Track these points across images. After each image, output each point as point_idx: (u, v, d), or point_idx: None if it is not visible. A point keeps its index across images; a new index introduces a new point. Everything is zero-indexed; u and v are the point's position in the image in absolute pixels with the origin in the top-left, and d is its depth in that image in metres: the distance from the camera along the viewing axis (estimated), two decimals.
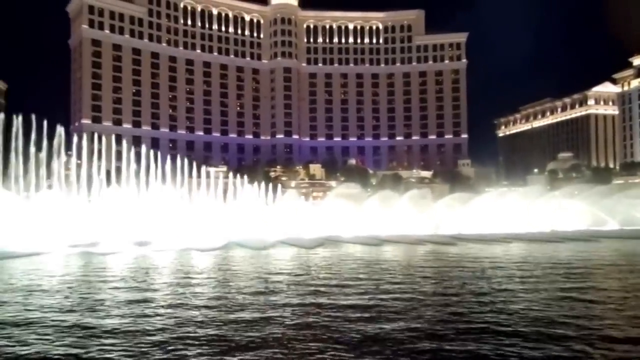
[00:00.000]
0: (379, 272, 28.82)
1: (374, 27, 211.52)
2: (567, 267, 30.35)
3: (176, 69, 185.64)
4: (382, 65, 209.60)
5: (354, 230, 64.03)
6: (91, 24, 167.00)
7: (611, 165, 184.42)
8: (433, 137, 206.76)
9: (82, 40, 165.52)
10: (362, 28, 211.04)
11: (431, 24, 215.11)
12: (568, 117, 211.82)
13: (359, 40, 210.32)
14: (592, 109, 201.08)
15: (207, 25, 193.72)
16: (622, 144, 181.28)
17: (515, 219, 70.73)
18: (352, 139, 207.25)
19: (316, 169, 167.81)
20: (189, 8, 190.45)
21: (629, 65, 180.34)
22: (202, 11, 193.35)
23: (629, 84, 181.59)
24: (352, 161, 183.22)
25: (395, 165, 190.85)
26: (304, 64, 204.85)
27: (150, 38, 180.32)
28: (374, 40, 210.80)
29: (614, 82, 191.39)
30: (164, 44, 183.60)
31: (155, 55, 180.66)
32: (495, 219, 69.46)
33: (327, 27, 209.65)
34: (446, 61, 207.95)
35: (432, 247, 48.25)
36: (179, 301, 19.72)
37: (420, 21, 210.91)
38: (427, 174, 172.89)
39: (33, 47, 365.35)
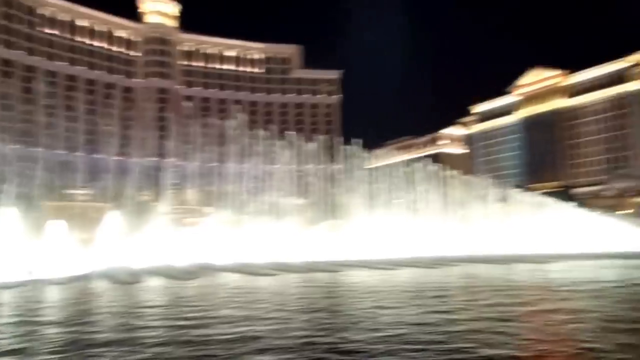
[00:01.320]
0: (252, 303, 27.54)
1: (254, 57, 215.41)
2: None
3: (32, 80, 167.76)
4: (261, 94, 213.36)
5: (231, 257, 63.46)
6: None
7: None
8: (309, 166, 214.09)
9: None
10: (242, 57, 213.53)
11: (311, 57, 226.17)
12: (424, 153, 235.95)
13: (237, 68, 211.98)
14: (443, 148, 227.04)
15: (73, 37, 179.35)
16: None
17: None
18: (229, 164, 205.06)
19: (191, 193, 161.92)
20: (51, 15, 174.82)
21: (471, 112, 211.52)
22: (70, 22, 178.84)
23: (472, 127, 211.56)
24: (229, 187, 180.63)
25: (273, 193, 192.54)
26: (180, 86, 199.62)
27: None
28: (253, 70, 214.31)
29: (462, 125, 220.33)
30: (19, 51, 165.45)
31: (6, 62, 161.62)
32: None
33: (206, 52, 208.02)
34: (322, 95, 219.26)
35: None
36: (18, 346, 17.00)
37: (298, 56, 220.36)
38: (302, 201, 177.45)
39: None
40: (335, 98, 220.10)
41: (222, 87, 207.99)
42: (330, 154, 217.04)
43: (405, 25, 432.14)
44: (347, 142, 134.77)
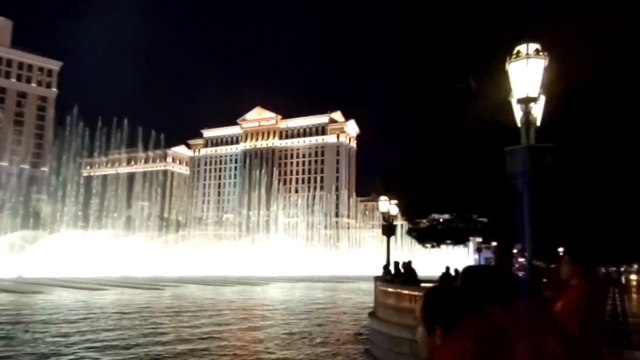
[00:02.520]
0: None
1: None
2: None
3: None
4: None
5: None
6: None
7: (180, 218, 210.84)
8: (5, 164, 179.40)
9: None
10: None
11: (24, 36, 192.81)
12: (149, 169, 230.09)
13: None
14: (170, 165, 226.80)
15: None
16: (191, 200, 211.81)
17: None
18: None
19: None
20: None
21: (201, 135, 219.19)
22: None
23: (199, 150, 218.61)
24: None
25: None
26: None
27: None
28: None
29: (189, 146, 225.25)
30: None
31: None
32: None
33: None
34: (33, 84, 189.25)
35: None
36: None
37: (6, 30, 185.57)
38: None
39: None
40: (52, 92, 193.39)
41: None
42: (38, 153, 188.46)
43: (145, 30, 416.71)
44: (62, 144, 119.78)
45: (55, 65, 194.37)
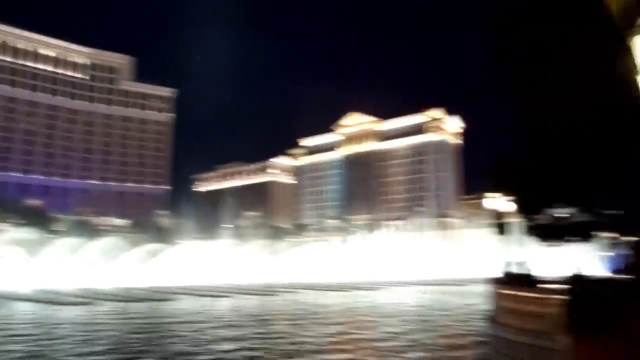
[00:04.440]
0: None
1: (77, 61, 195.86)
2: None
3: None
4: (82, 101, 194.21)
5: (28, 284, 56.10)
6: None
7: (286, 226, 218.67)
8: (132, 184, 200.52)
9: None
10: (63, 58, 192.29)
11: (144, 71, 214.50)
12: (254, 180, 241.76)
13: (56, 70, 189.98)
14: (273, 176, 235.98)
15: None
16: (295, 207, 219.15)
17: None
18: (36, 176, 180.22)
19: None
20: None
21: (298, 144, 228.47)
22: None
23: (301, 159, 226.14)
24: (33, 202, 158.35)
25: (86, 210, 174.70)
26: None
27: None
28: (75, 74, 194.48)
29: (291, 156, 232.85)
30: None
31: None
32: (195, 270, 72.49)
33: (16, 46, 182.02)
34: (153, 111, 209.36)
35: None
36: None
37: (128, 66, 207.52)
38: (122, 222, 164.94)
39: None
40: (167, 116, 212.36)
41: (34, 89, 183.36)
42: (158, 173, 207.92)
43: (242, 52, 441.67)
44: (177, 163, 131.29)
45: (171, 93, 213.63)
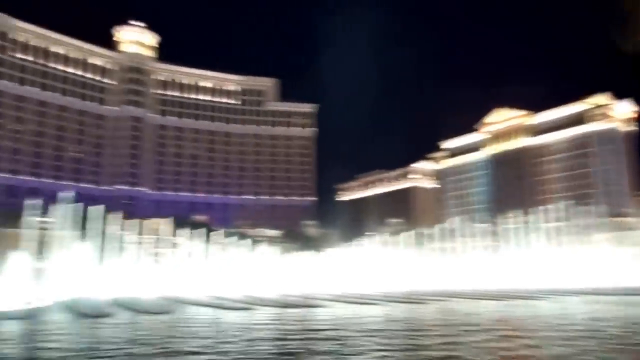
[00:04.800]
0: None
1: (229, 89, 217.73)
2: None
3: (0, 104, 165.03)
4: (235, 125, 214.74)
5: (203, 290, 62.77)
6: None
7: (431, 231, 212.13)
8: (281, 198, 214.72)
9: None
10: (218, 88, 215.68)
11: (287, 91, 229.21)
12: (396, 187, 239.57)
13: (213, 99, 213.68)
14: (415, 181, 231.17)
15: (46, 62, 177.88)
16: (441, 212, 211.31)
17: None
18: (201, 194, 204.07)
19: (163, 223, 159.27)
20: (24, 40, 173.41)
21: (439, 147, 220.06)
22: (44, 48, 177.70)
23: (444, 162, 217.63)
24: (200, 217, 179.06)
25: (243, 223, 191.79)
26: (154, 115, 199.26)
27: None
28: (228, 101, 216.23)
29: (433, 160, 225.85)
30: None
31: None
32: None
33: (181, 82, 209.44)
34: (296, 128, 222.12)
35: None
36: None
37: (273, 88, 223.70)
38: (274, 233, 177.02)
39: None
40: (310, 131, 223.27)
41: (197, 117, 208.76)
42: (305, 186, 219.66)
43: (378, 61, 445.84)
44: (320, 175, 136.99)
45: (312, 108, 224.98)
